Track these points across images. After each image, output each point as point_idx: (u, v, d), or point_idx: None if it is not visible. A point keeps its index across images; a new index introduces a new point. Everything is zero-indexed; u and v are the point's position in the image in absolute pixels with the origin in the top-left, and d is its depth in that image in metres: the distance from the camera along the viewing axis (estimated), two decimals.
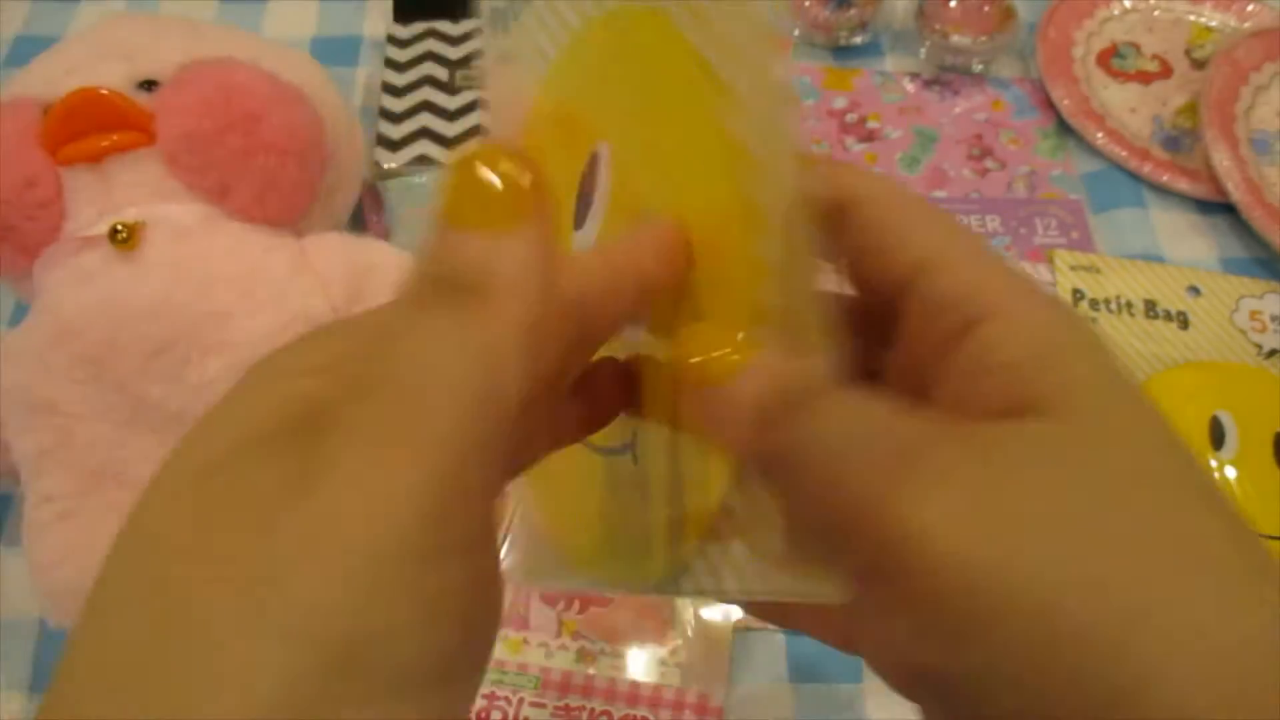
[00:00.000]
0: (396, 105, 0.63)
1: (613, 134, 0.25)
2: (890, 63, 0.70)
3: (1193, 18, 0.69)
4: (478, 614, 0.15)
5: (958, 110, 0.66)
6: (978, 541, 0.14)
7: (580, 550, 0.27)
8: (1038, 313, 0.17)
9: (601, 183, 0.25)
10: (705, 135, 0.21)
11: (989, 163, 0.64)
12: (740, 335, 0.19)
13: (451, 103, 0.63)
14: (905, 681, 0.17)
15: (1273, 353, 0.55)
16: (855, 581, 0.17)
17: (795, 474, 0.17)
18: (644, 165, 0.24)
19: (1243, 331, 0.56)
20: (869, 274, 0.19)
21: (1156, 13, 0.70)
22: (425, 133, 0.62)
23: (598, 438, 0.24)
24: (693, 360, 0.19)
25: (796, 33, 0.69)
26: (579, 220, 0.26)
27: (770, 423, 0.17)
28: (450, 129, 0.62)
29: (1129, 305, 0.57)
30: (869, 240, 0.19)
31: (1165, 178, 0.62)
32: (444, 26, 0.66)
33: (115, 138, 0.46)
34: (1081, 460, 0.15)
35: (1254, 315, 0.56)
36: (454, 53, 0.66)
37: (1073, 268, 0.58)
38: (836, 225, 0.19)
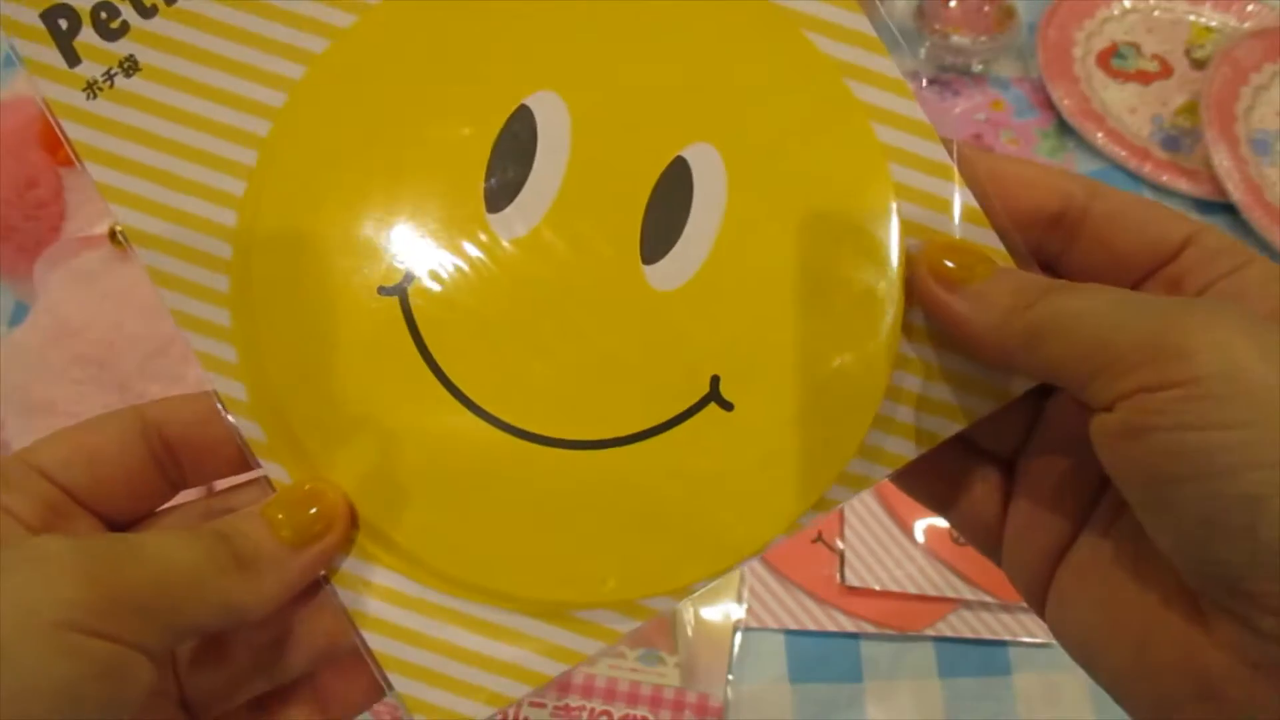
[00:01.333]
0: None
1: (567, 81, 0.23)
2: None
3: (1193, 18, 0.69)
4: None
5: (958, 110, 0.66)
6: (1246, 351, 0.18)
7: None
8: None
9: (551, 142, 0.23)
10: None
11: None
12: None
13: None
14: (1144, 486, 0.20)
15: None
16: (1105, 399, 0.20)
17: (1059, 338, 0.20)
18: (666, 113, 0.23)
19: None
20: (1122, 249, 0.23)
21: (1156, 13, 0.70)
22: None
23: (645, 413, 0.23)
24: (948, 264, 0.22)
25: None
26: (499, 197, 0.23)
27: (1027, 305, 0.21)
28: None
29: None
30: (1122, 223, 0.23)
31: (1165, 178, 0.62)
32: None
33: None
34: None
35: None
36: None
37: None
38: (1066, 224, 0.23)
